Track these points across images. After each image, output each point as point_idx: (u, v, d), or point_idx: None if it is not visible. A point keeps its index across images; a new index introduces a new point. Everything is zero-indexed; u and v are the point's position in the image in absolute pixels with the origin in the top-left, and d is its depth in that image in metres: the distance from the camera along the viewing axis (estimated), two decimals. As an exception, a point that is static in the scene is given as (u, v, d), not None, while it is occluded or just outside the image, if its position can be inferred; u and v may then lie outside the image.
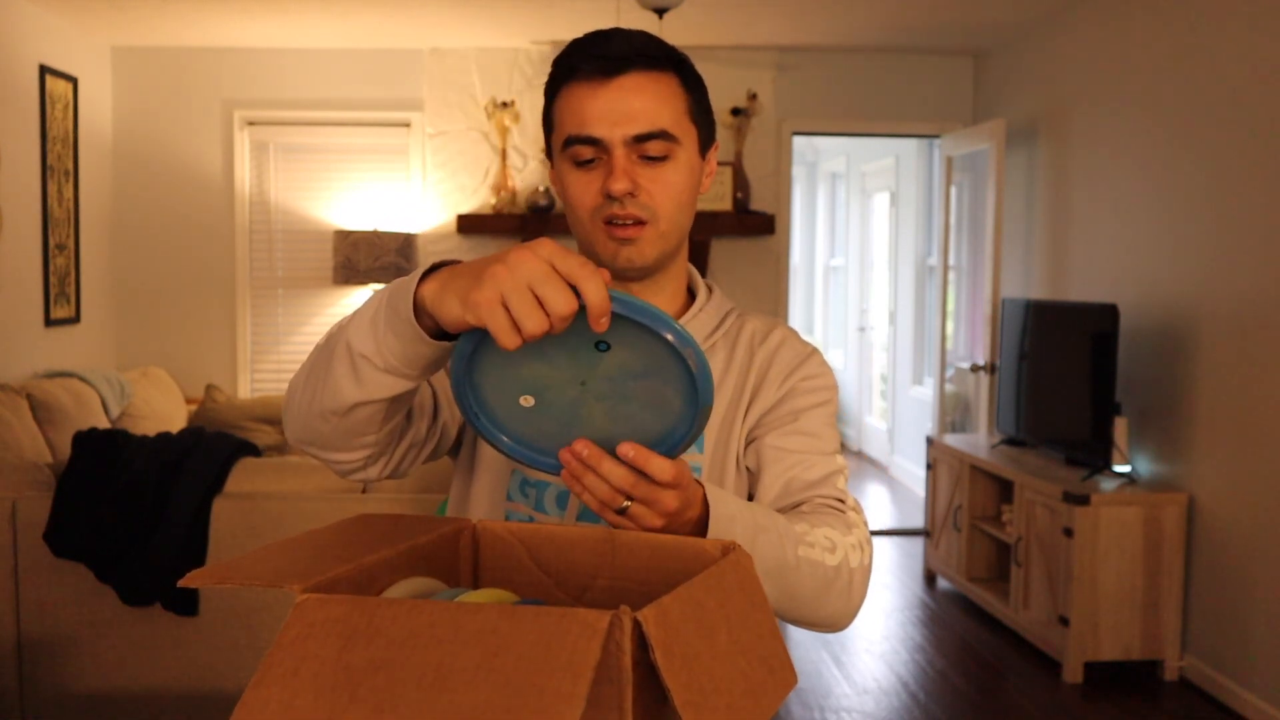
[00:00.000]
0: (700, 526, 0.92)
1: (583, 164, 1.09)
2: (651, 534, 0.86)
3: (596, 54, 1.07)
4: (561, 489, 1.14)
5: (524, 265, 0.77)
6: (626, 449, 0.84)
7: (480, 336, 0.83)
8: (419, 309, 0.86)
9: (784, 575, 1.00)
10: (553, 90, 1.13)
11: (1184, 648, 3.79)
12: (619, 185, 1.07)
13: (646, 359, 0.82)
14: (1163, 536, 3.74)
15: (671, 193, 1.10)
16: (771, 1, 4.68)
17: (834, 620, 1.08)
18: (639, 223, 1.09)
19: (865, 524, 1.15)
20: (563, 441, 0.87)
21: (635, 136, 1.07)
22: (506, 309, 0.77)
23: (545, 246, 0.78)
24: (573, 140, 1.09)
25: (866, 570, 1.10)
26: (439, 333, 0.88)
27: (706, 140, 1.16)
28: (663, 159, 1.09)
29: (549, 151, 1.17)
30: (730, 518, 0.94)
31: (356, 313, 0.94)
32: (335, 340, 0.95)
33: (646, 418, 0.86)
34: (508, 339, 0.77)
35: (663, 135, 1.08)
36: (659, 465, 0.85)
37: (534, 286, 0.76)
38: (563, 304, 0.76)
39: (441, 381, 1.14)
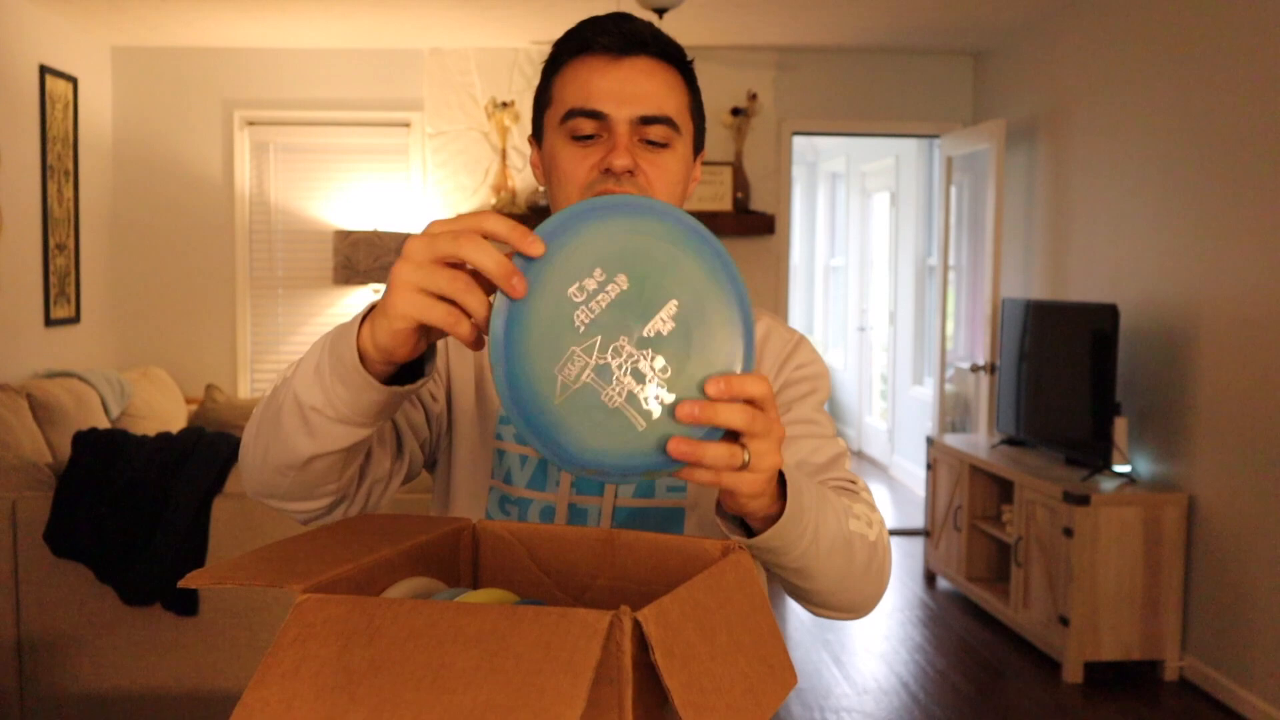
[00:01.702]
0: (779, 484, 0.85)
1: (580, 139, 1.06)
2: (651, 534, 0.86)
3: (614, 31, 1.06)
4: (546, 505, 1.10)
5: (416, 247, 0.74)
6: (715, 384, 0.74)
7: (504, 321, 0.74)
8: (364, 355, 0.82)
9: (849, 548, 0.95)
10: (556, 65, 1.10)
11: (1184, 648, 3.79)
12: (621, 160, 1.04)
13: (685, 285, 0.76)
14: (1163, 536, 3.74)
15: (668, 179, 1.08)
16: (771, 1, 4.68)
17: (872, 598, 1.03)
18: None
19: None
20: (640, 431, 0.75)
21: (641, 118, 1.05)
22: (429, 296, 0.73)
23: (432, 223, 0.76)
24: (575, 113, 1.06)
25: (889, 549, 1.06)
26: (393, 375, 0.84)
27: (699, 143, 1.15)
28: (663, 145, 1.07)
29: (537, 131, 1.13)
30: (796, 480, 0.86)
31: (300, 363, 0.89)
32: (282, 394, 0.90)
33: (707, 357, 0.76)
34: (454, 324, 0.73)
35: (667, 121, 1.07)
36: (755, 382, 0.75)
37: (441, 257, 0.73)
38: (480, 252, 0.72)
39: (403, 410, 1.09)
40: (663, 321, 0.75)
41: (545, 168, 1.12)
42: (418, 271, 0.73)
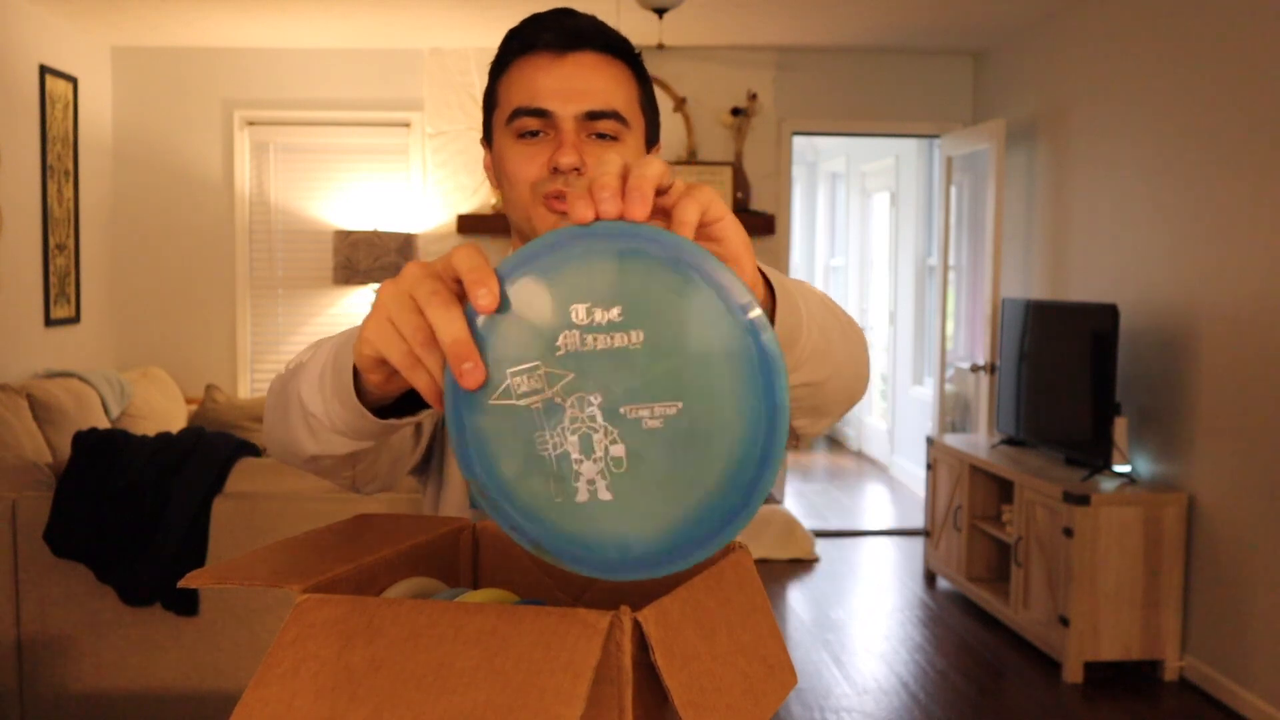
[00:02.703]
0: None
1: (527, 136, 1.05)
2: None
3: (556, 27, 1.05)
4: None
5: (408, 273, 0.63)
6: (614, 198, 0.59)
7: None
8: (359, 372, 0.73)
9: (826, 309, 0.86)
10: (502, 65, 1.09)
11: (1184, 648, 3.79)
12: (567, 159, 1.02)
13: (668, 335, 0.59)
14: (1163, 536, 3.74)
15: None
16: (771, 1, 4.68)
17: (864, 379, 0.94)
18: None
19: None
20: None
21: (587, 113, 1.04)
22: (396, 332, 0.63)
23: (451, 253, 0.63)
24: (521, 112, 1.04)
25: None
26: (392, 404, 0.78)
27: (653, 136, 1.14)
28: (613, 139, 1.05)
29: (487, 133, 1.12)
30: (767, 270, 0.77)
31: (312, 359, 0.83)
32: (290, 386, 0.86)
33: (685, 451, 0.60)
34: (409, 370, 0.63)
35: (614, 115, 1.05)
36: (651, 164, 0.61)
37: (417, 301, 0.62)
38: (441, 318, 0.60)
39: None
40: (651, 414, 0.59)
41: (495, 170, 1.10)
42: (395, 301, 0.63)
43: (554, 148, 1.04)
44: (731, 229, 0.64)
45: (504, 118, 1.07)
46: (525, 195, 1.05)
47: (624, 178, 0.59)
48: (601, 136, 1.05)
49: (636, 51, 1.11)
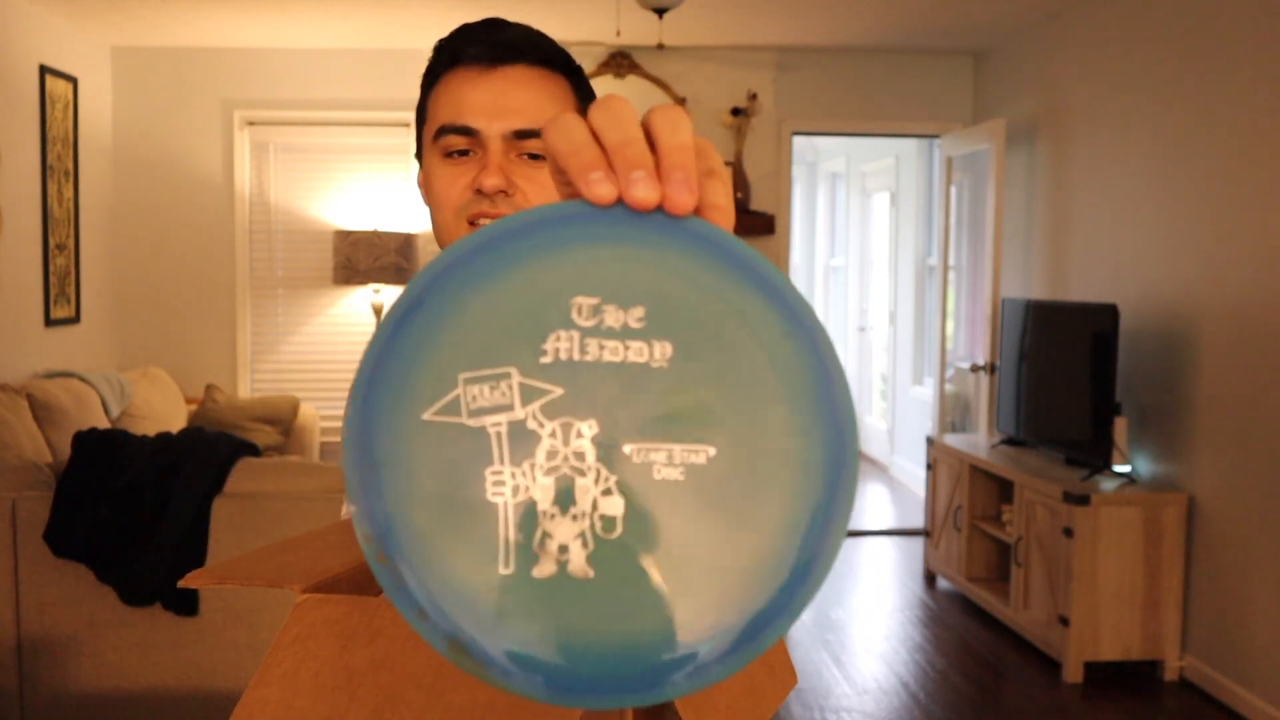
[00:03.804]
0: None
1: (453, 154, 1.00)
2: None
3: (485, 40, 0.99)
4: None
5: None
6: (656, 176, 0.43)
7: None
8: None
9: None
10: (431, 79, 1.04)
11: (1184, 648, 3.79)
12: (491, 181, 0.96)
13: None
14: (1163, 536, 3.74)
15: (549, 196, 0.98)
16: (771, 1, 4.68)
17: None
18: None
19: None
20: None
21: (516, 132, 0.98)
22: None
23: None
24: (447, 129, 0.99)
25: None
26: None
27: None
28: (544, 158, 0.97)
29: (419, 150, 1.06)
30: None
31: None
32: None
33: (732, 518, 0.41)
34: None
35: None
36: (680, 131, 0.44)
37: None
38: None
39: None
40: (669, 458, 0.41)
41: (424, 192, 1.05)
42: None
43: (480, 168, 0.98)
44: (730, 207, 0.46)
45: (431, 134, 1.02)
46: (450, 219, 0.99)
47: (657, 148, 0.41)
48: (534, 157, 0.99)
49: (576, 64, 1.05)
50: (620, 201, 0.41)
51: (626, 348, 0.41)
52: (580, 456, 0.41)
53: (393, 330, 0.41)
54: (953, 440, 4.92)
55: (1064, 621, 3.77)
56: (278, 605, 3.01)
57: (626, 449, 0.41)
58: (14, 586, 2.99)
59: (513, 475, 0.41)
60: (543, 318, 0.41)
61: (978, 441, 4.89)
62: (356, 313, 5.65)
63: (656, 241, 0.41)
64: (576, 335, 0.41)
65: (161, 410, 4.90)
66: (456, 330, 0.41)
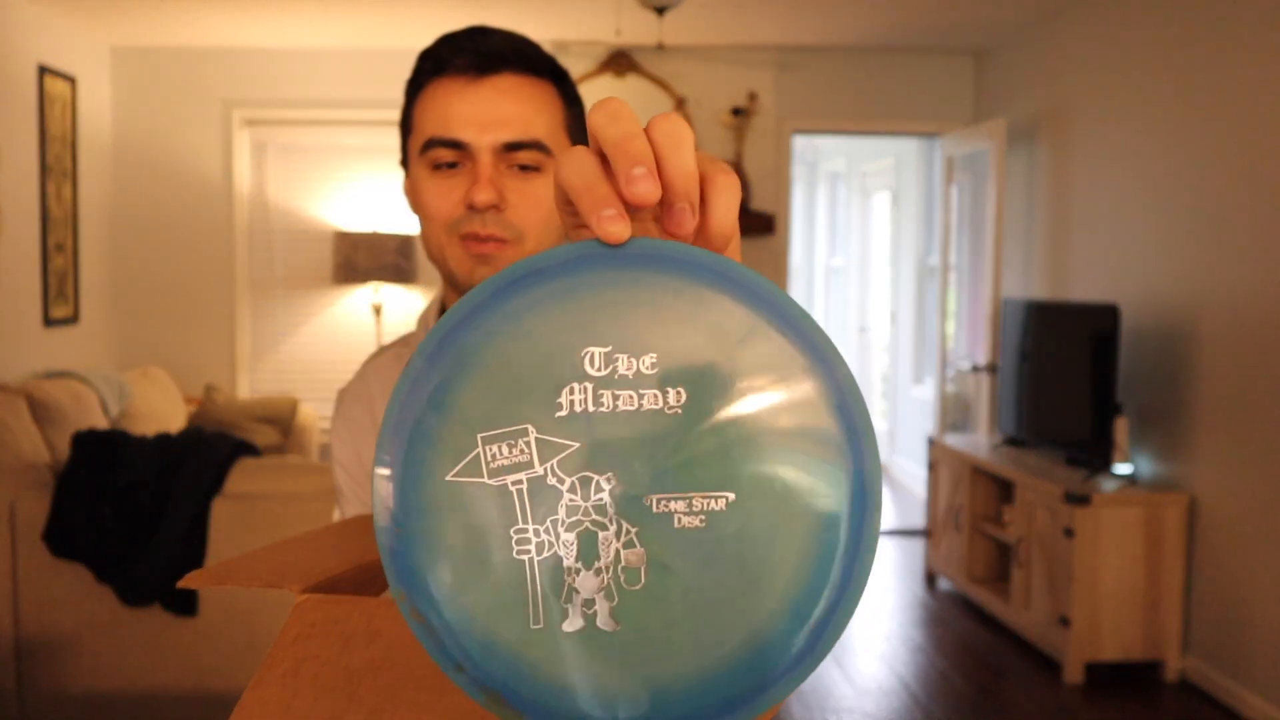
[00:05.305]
0: None
1: (442, 167, 0.97)
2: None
3: (470, 49, 0.97)
4: None
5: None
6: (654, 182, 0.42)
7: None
8: None
9: None
10: (415, 88, 1.01)
11: (1185, 648, 3.78)
12: (483, 196, 0.94)
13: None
14: (1163, 536, 3.74)
15: (542, 209, 0.97)
16: (771, 1, 4.68)
17: None
18: (501, 241, 0.96)
19: None
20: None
21: (506, 144, 0.96)
22: None
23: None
24: (434, 143, 0.97)
25: None
26: None
27: None
28: (534, 169, 0.97)
29: (404, 159, 1.04)
30: None
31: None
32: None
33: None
34: None
35: (536, 145, 0.97)
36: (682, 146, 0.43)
37: None
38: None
39: None
40: (689, 507, 0.42)
41: (411, 200, 1.03)
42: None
43: (471, 181, 0.96)
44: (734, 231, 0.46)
45: (418, 147, 0.99)
46: (440, 234, 0.98)
47: (661, 170, 0.41)
48: (525, 169, 0.97)
49: (561, 68, 1.03)
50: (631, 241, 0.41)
51: (640, 396, 0.41)
52: (601, 510, 0.42)
53: (410, 391, 0.42)
54: (953, 440, 4.92)
55: (1065, 622, 3.77)
56: (277, 605, 3.01)
57: (646, 500, 0.42)
58: (13, 586, 2.98)
59: (536, 533, 0.42)
60: (556, 370, 0.41)
61: (978, 442, 4.89)
62: (356, 313, 5.64)
63: (668, 284, 0.41)
64: (590, 386, 0.41)
65: (161, 410, 4.89)
66: (473, 390, 0.42)
